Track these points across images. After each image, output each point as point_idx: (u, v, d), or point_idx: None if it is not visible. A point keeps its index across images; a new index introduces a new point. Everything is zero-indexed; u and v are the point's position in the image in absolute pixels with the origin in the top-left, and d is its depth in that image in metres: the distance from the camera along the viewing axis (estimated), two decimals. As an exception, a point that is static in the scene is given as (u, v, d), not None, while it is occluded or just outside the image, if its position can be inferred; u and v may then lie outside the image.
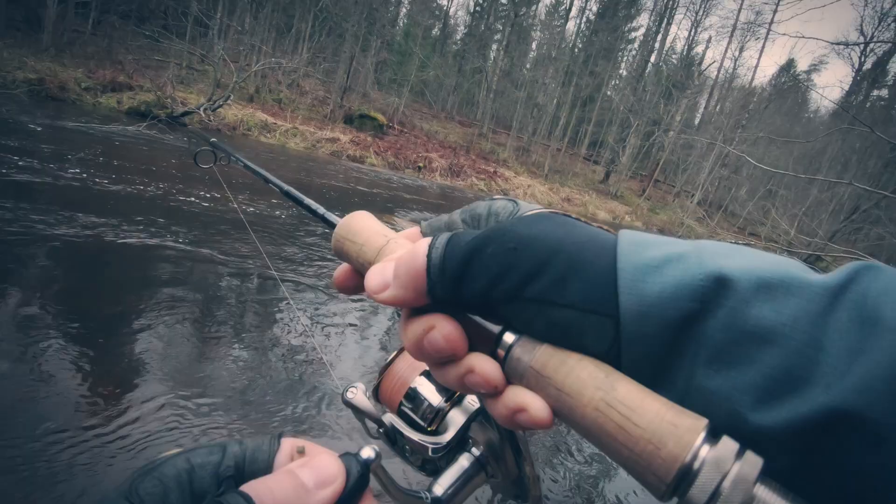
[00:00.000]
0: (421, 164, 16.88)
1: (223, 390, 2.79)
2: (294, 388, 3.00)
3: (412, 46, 29.35)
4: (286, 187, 0.59)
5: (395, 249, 0.36)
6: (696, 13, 32.04)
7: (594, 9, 33.35)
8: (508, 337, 0.28)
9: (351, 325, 4.05)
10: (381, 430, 0.46)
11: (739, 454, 0.21)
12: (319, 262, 5.18)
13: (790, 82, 35.46)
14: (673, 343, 0.25)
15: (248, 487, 0.26)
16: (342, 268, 0.40)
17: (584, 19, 33.86)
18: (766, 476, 0.21)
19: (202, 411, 2.58)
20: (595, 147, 32.72)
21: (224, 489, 0.28)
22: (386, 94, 26.37)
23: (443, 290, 0.29)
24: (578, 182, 25.37)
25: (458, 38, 37.55)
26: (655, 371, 0.25)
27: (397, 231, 0.41)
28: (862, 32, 24.09)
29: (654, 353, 0.25)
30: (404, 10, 35.75)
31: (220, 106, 12.95)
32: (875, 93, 29.56)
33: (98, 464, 2.13)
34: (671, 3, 31.11)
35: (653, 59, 32.26)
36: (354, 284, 0.40)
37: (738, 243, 0.28)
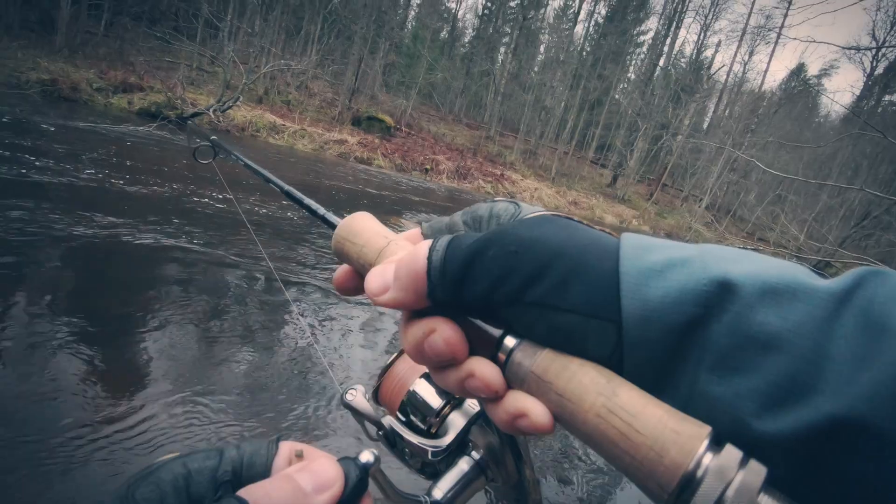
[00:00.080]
0: (428, 167, 16.91)
1: (222, 392, 2.78)
2: (294, 389, 3.00)
3: (420, 49, 29.42)
4: (286, 187, 0.59)
5: (396, 251, 0.35)
6: (706, 17, 31.94)
7: (603, 12, 33.36)
8: (509, 341, 0.28)
9: (352, 326, 4.05)
10: (380, 433, 0.46)
11: (743, 462, 0.21)
12: (330, 265, 5.19)
13: (800, 87, 35.19)
14: (676, 348, 0.24)
15: (246, 492, 0.26)
16: (342, 269, 0.40)
17: (593, 22, 33.84)
18: (770, 485, 0.21)
19: (200, 413, 2.57)
20: (603, 151, 32.62)
21: (221, 494, 0.28)
22: (394, 96, 26.47)
23: (443, 293, 0.28)
24: (586, 185, 25.30)
25: (467, 40, 37.60)
26: (658, 377, 0.25)
27: (401, 232, 0.41)
28: (874, 37, 23.90)
29: (657, 359, 0.25)
30: (413, 12, 35.93)
31: (230, 107, 13.05)
32: (887, 98, 29.20)
33: (98, 464, 2.14)
34: (680, 6, 31.01)
35: (661, 62, 32.16)
36: (354, 286, 0.40)
37: (746, 248, 0.32)
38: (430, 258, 0.29)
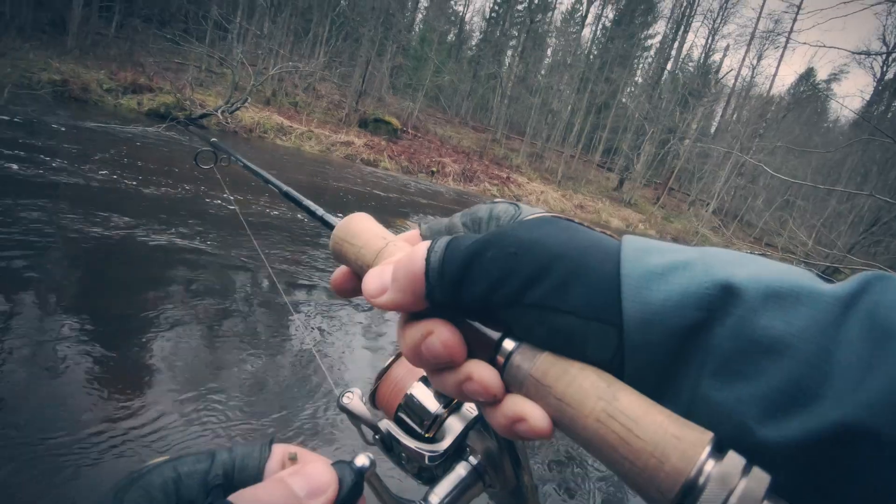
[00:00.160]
0: (434, 169, 16.93)
1: (217, 394, 2.76)
2: (290, 391, 2.98)
3: (427, 52, 29.50)
4: (285, 188, 0.59)
5: (394, 252, 0.35)
6: (714, 21, 31.83)
7: (610, 16, 33.30)
8: (508, 344, 0.27)
9: (352, 328, 4.04)
10: (377, 437, 0.46)
11: (746, 470, 0.21)
12: (335, 266, 5.20)
13: (809, 91, 34.96)
14: (678, 352, 0.24)
15: (237, 497, 0.26)
16: (340, 270, 0.40)
17: (600, 26, 33.79)
18: (773, 492, 0.20)
19: (194, 416, 2.54)
20: (609, 154, 32.55)
21: (212, 499, 0.27)
22: (401, 98, 26.55)
23: (442, 295, 0.28)
24: (592, 189, 25.23)
25: (474, 43, 37.67)
26: (659, 381, 0.25)
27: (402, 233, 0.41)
28: (884, 42, 23.72)
29: (659, 363, 0.24)
30: (420, 15, 36.05)
31: (238, 108, 13.13)
32: (897, 103, 28.97)
33: (94, 466, 2.14)
34: (688, 10, 30.93)
35: (669, 66, 32.08)
36: (352, 287, 0.39)
37: (753, 253, 0.32)
38: (428, 259, 0.29)
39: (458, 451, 0.45)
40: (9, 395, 2.35)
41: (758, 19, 30.83)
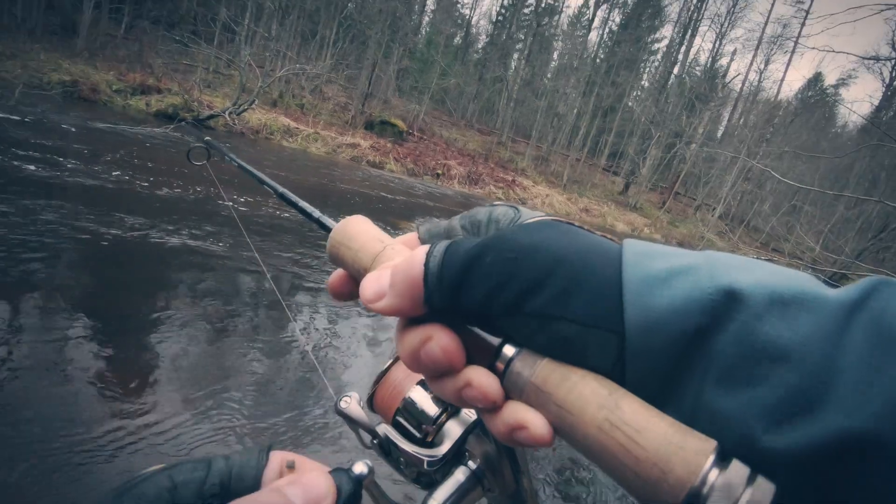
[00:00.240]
0: (439, 172, 16.95)
1: (214, 398, 2.74)
2: (288, 395, 2.97)
3: (434, 54, 29.58)
4: (281, 189, 0.58)
5: (392, 256, 0.35)
6: (721, 25, 31.69)
7: (617, 20, 33.26)
8: (508, 350, 0.27)
9: (351, 332, 4.04)
10: (374, 441, 0.45)
11: (751, 479, 0.20)
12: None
13: (817, 96, 34.76)
14: (681, 359, 0.24)
15: None
16: (337, 273, 0.39)
17: (607, 30, 33.76)
18: (778, 502, 0.20)
19: (189, 421, 2.52)
20: (615, 158, 32.46)
21: None
22: (407, 101, 26.61)
23: (440, 300, 0.28)
24: (597, 193, 25.18)
25: (480, 46, 37.73)
26: (661, 388, 0.24)
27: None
28: (894, 47, 23.48)
29: (661, 370, 0.24)
30: (427, 18, 36.15)
31: (245, 110, 13.21)
32: (906, 108, 28.74)
33: (96, 463, 2.15)
34: (696, 15, 30.84)
35: (676, 70, 31.95)
36: (349, 291, 0.38)
37: (759, 258, 0.31)
38: (427, 264, 0.28)
39: (457, 455, 0.45)
40: (10, 395, 2.37)
41: (765, 24, 30.54)
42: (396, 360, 0.48)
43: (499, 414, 0.27)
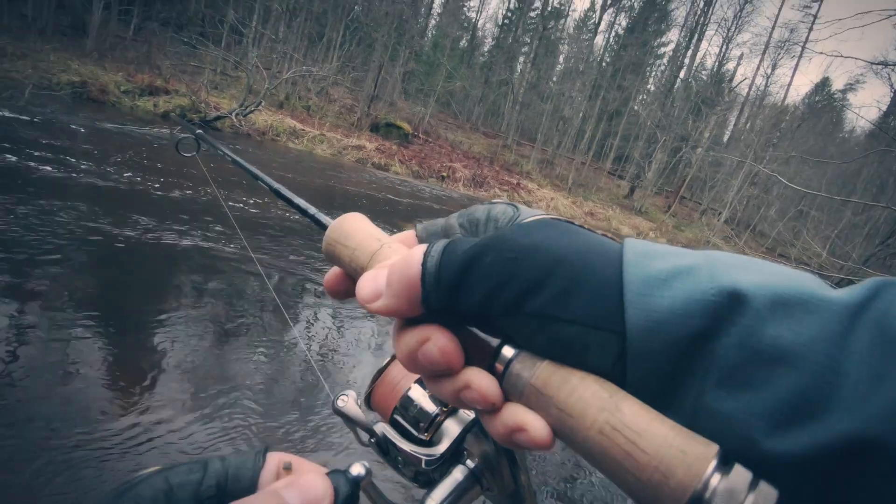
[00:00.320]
0: (444, 174, 16.96)
1: (210, 398, 2.73)
2: (285, 394, 2.96)
3: (440, 57, 29.64)
4: (275, 185, 0.57)
5: (389, 255, 0.34)
6: (728, 30, 31.61)
7: (623, 23, 33.22)
8: (507, 351, 0.27)
9: (349, 330, 4.03)
10: (372, 440, 0.45)
11: (753, 484, 0.20)
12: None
13: (824, 101, 34.55)
14: (682, 361, 0.23)
15: None
16: (333, 272, 0.38)
17: (613, 34, 33.71)
18: None
19: (185, 422, 2.51)
20: (620, 162, 32.36)
21: None
22: (412, 103, 26.65)
23: (438, 301, 0.27)
24: (602, 196, 25.10)
25: (486, 49, 37.76)
26: (662, 390, 0.24)
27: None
28: (903, 52, 23.33)
29: (662, 372, 0.24)
30: (434, 21, 36.23)
31: (252, 111, 13.28)
32: (916, 114, 28.49)
33: (94, 463, 2.16)
34: (702, 19, 30.76)
35: (682, 74, 31.88)
36: (346, 289, 0.38)
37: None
38: (424, 264, 0.28)
39: (455, 454, 0.45)
40: (12, 395, 2.38)
41: (773, 28, 30.40)
42: (395, 357, 0.48)
43: (498, 416, 0.26)
